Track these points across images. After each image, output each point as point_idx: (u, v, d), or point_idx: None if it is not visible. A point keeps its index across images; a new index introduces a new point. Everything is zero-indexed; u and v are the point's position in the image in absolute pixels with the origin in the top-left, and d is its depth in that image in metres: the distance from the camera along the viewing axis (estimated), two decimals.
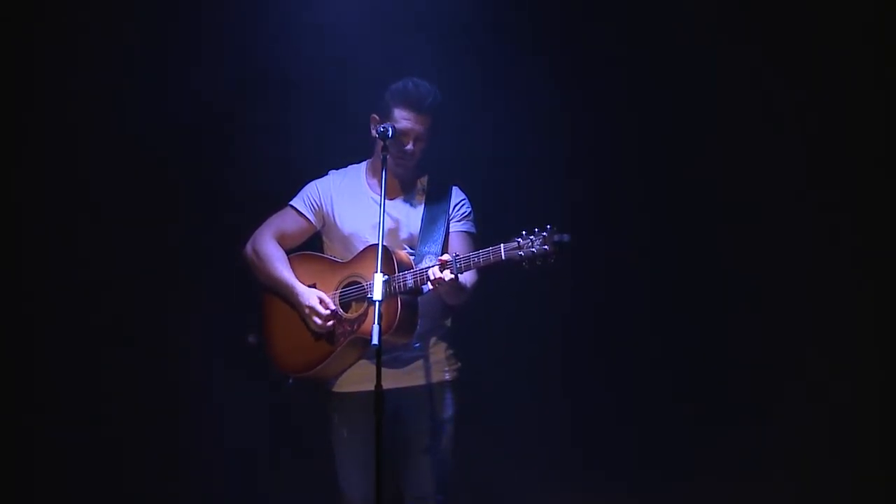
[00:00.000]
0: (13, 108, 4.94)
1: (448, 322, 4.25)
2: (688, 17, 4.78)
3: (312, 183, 4.32)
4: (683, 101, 4.84)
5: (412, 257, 4.14)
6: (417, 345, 4.17)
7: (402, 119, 4.13)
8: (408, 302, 4.04)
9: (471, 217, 4.28)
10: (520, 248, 3.89)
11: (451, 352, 4.24)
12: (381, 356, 3.73)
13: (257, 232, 4.29)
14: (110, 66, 4.88)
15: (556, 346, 4.89)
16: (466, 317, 4.26)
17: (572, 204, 4.78)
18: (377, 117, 4.20)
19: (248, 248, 4.29)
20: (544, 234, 3.88)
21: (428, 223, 4.21)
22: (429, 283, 3.97)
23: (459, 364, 4.25)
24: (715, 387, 4.85)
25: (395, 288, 3.99)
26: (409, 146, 4.14)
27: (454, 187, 4.31)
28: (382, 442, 3.71)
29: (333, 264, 4.21)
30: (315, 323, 4.12)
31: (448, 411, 4.20)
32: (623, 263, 4.90)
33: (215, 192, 4.99)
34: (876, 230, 4.73)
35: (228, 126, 4.94)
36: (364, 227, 4.19)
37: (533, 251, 3.88)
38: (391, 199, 4.19)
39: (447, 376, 4.22)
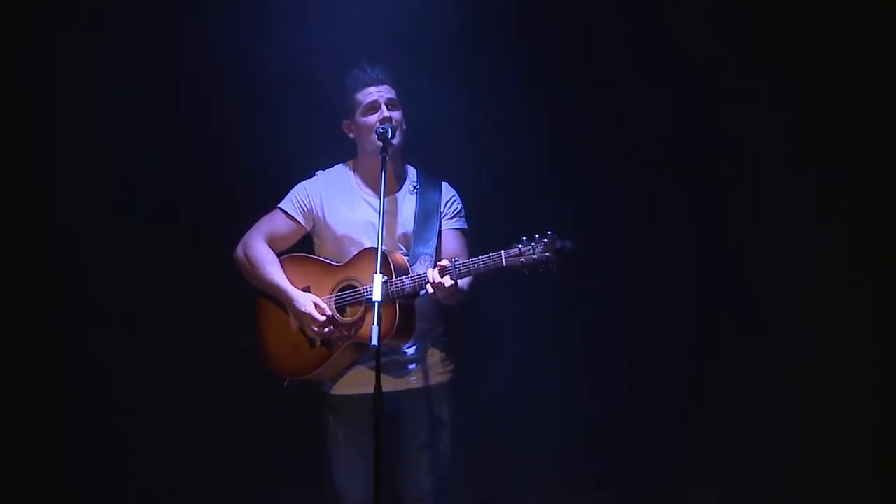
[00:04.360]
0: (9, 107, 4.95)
1: (443, 323, 4.24)
2: (694, 18, 4.77)
3: (300, 184, 4.28)
4: (681, 101, 4.83)
5: (406, 258, 4.13)
6: (414, 347, 4.16)
7: (368, 96, 4.15)
8: (405, 305, 4.02)
9: (462, 213, 4.28)
10: (521, 254, 3.87)
11: (445, 353, 4.23)
12: (380, 357, 3.72)
13: (247, 235, 4.24)
14: (103, 66, 4.88)
15: (555, 345, 4.88)
16: (461, 317, 4.25)
17: (566, 206, 4.79)
18: (347, 122, 4.21)
19: (239, 251, 4.24)
20: (545, 240, 3.85)
21: (421, 223, 4.19)
22: (428, 286, 3.95)
23: (453, 366, 4.24)
24: (715, 387, 4.84)
25: (392, 292, 3.98)
26: (386, 112, 4.12)
27: (444, 183, 4.30)
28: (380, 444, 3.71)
29: (327, 267, 4.17)
30: (312, 330, 4.09)
31: (445, 413, 4.19)
32: (621, 263, 4.89)
33: (206, 194, 4.97)
34: (876, 230, 4.72)
35: (219, 126, 4.91)
36: (358, 226, 4.17)
37: (534, 258, 3.85)
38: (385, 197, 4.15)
39: (443, 378, 4.21)
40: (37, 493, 5.00)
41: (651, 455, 4.88)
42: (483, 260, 3.92)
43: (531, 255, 3.86)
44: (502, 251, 3.90)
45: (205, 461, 4.97)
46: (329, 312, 4.09)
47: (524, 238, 3.88)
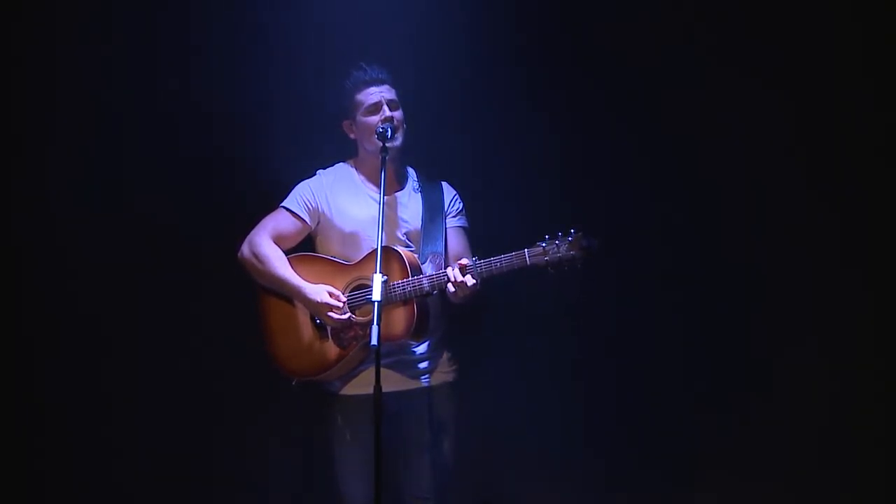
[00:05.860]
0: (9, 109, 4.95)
1: (446, 321, 4.23)
2: (695, 19, 4.77)
3: (303, 183, 4.26)
4: (682, 101, 4.83)
5: (416, 256, 4.13)
6: (424, 345, 4.16)
7: (370, 96, 4.15)
8: (423, 304, 4.02)
9: (464, 212, 4.30)
10: (545, 253, 3.86)
11: (450, 352, 4.23)
12: (379, 357, 3.72)
13: (252, 235, 4.21)
14: (98, 66, 4.87)
15: (556, 345, 4.88)
16: (463, 316, 4.25)
17: (566, 206, 4.78)
18: (348, 122, 4.20)
19: (245, 250, 4.20)
20: (570, 238, 3.85)
21: (428, 221, 4.20)
22: (449, 286, 3.94)
23: (457, 365, 4.24)
24: (716, 387, 4.84)
25: (410, 292, 3.97)
26: (388, 112, 4.12)
27: (443, 182, 4.30)
28: (384, 443, 3.71)
29: (338, 266, 4.15)
30: (330, 318, 4.06)
31: (450, 412, 4.20)
32: (621, 262, 4.88)
33: (206, 194, 4.96)
34: (877, 229, 4.72)
35: (218, 127, 4.90)
36: (366, 223, 4.15)
37: (559, 256, 3.85)
38: (388, 195, 4.15)
39: (449, 377, 4.21)
40: (37, 493, 5.00)
41: (651, 455, 4.88)
42: (506, 258, 3.91)
43: (556, 253, 3.85)
44: (525, 249, 3.89)
45: (205, 461, 4.96)
46: (344, 299, 4.07)
47: (547, 236, 3.88)
